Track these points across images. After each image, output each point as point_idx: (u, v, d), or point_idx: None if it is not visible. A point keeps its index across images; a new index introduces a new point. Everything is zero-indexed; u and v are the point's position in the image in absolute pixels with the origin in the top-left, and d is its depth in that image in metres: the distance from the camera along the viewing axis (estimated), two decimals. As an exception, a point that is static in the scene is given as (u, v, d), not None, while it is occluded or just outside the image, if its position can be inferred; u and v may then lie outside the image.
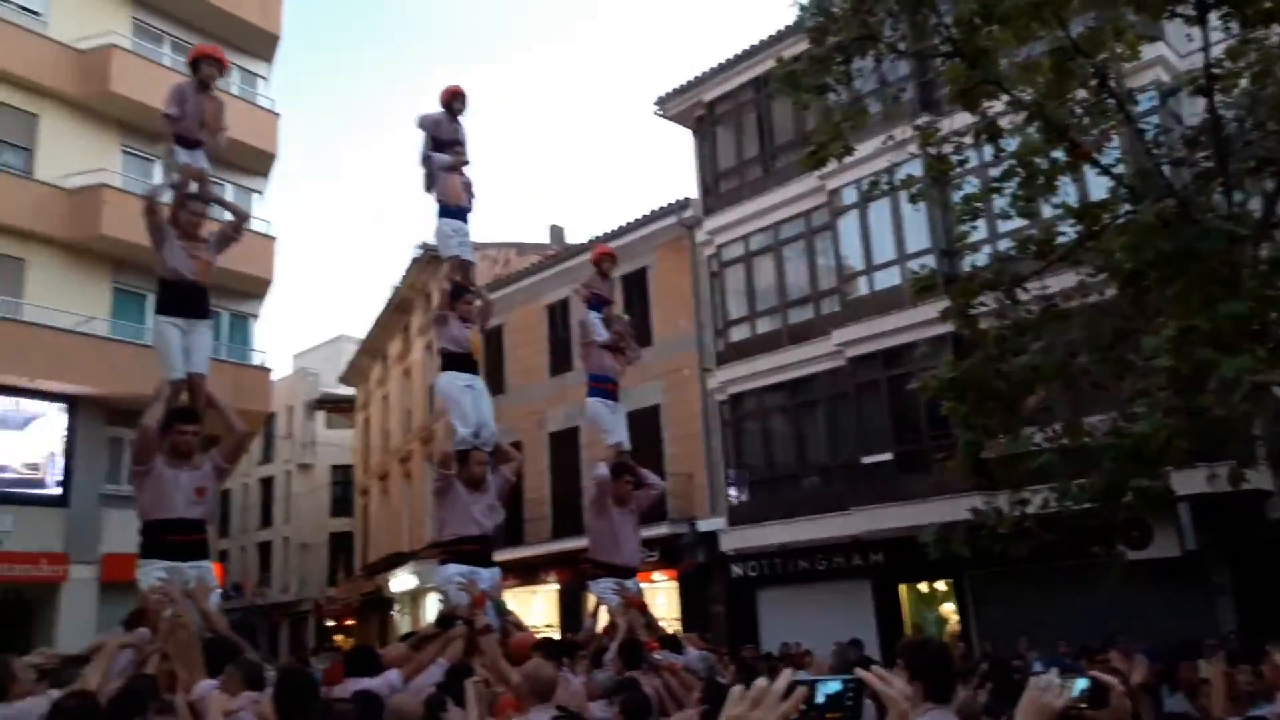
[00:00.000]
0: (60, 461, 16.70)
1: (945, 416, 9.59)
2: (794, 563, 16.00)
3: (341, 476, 37.35)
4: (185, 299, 6.58)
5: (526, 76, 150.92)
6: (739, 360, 17.23)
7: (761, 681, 1.38)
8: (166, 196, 6.81)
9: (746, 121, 18.32)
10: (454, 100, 8.70)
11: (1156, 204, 7.08)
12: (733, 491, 17.12)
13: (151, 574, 5.81)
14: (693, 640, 8.39)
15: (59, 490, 16.56)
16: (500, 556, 7.80)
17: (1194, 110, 8.92)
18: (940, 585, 14.72)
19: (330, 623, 35.02)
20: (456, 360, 8.03)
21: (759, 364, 16.82)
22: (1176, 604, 11.12)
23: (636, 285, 19.47)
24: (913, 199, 9.68)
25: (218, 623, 5.80)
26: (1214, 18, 7.69)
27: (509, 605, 8.10)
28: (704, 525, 17.20)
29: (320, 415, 38.78)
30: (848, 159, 12.32)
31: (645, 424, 17.59)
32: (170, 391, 6.29)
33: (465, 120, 8.83)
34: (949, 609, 14.61)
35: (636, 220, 19.81)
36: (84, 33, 17.90)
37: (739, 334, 17.63)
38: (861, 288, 15.51)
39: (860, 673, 1.56)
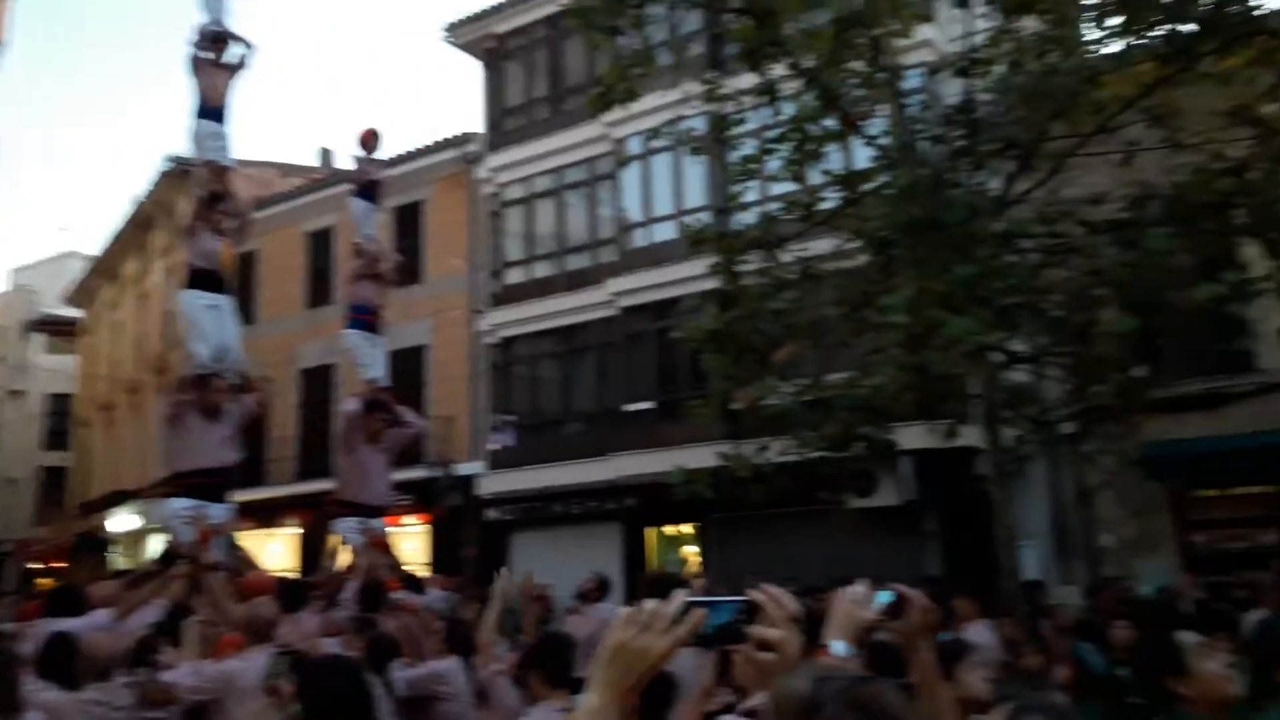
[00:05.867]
0: None
1: (705, 369, 9.88)
2: (550, 506, 16.10)
3: (60, 406, 33.89)
4: None
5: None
6: (512, 304, 17.00)
7: (652, 603, 1.28)
8: None
9: (538, 59, 17.92)
10: None
11: (910, 174, 7.53)
12: (499, 437, 16.94)
13: None
14: (438, 581, 8.30)
15: None
16: (238, 497, 7.39)
17: (953, 91, 9.53)
18: (686, 528, 15.36)
19: (36, 565, 31.91)
20: (203, 277, 7.53)
21: (533, 309, 16.67)
22: (894, 549, 12.14)
23: (410, 219, 18.74)
24: (693, 152, 9.81)
25: None
26: (979, 4, 8.22)
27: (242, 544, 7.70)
28: (463, 469, 16.93)
29: (40, 338, 34.92)
30: (636, 109, 12.35)
31: (409, 363, 17.12)
32: None
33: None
34: (691, 550, 15.32)
35: (415, 150, 18.95)
36: None
37: (514, 277, 17.39)
38: (639, 239, 15.70)
39: (752, 593, 1.42)
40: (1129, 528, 11.82)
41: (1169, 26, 7.32)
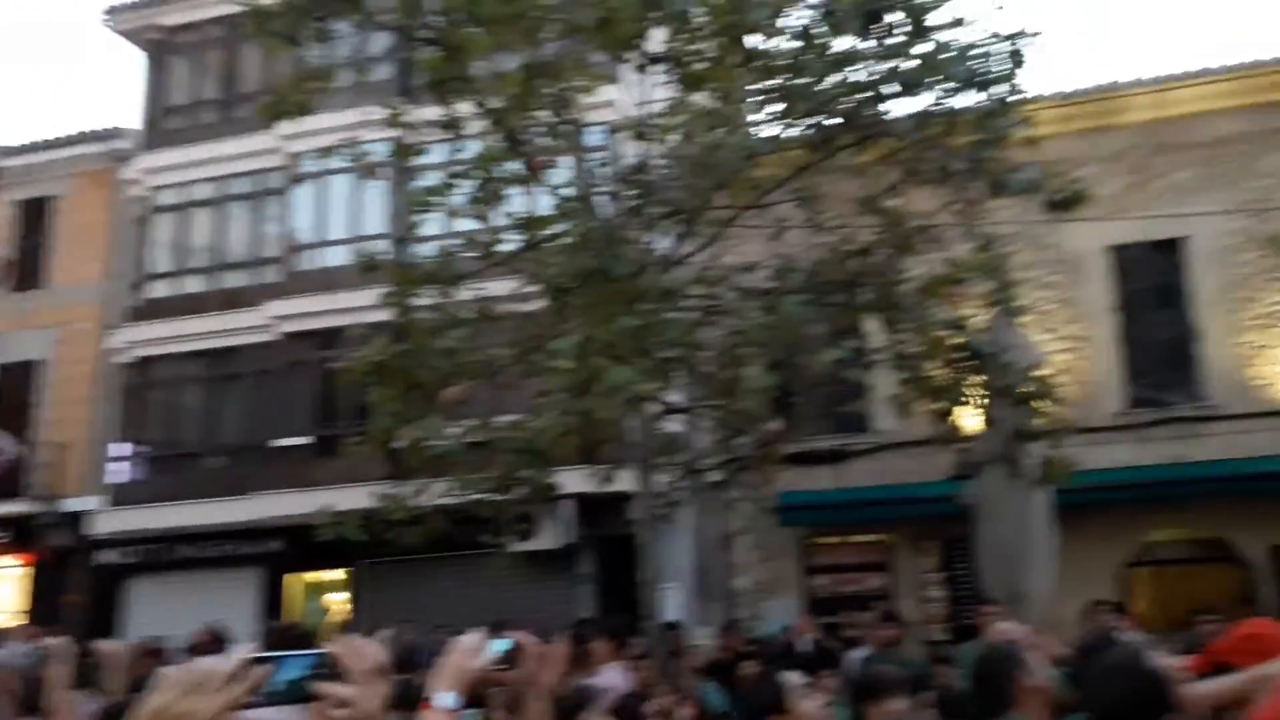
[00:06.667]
0: None
1: (368, 404, 9.44)
2: (177, 549, 14.54)
3: None
4: None
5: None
6: (154, 320, 15.27)
7: (206, 662, 1.17)
8: None
9: (209, 59, 16.57)
10: None
11: (585, 225, 7.75)
12: (122, 469, 15.06)
13: None
14: (25, 633, 7.16)
15: None
16: None
17: (632, 152, 9.98)
18: (338, 574, 14.52)
19: None
20: None
21: (178, 327, 15.06)
22: (551, 592, 12.43)
23: (37, 215, 16.48)
24: (365, 175, 9.49)
25: None
26: (661, 73, 8.70)
27: None
28: (75, 504, 14.87)
29: None
30: (315, 126, 11.75)
31: (20, 379, 15.17)
32: None
33: None
34: (337, 597, 14.55)
35: (51, 140, 16.74)
36: None
37: (159, 291, 15.72)
38: (308, 262, 14.86)
39: (329, 646, 1.31)
40: (761, 571, 12.84)
41: (817, 118, 8.16)
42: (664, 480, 8.80)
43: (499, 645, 1.82)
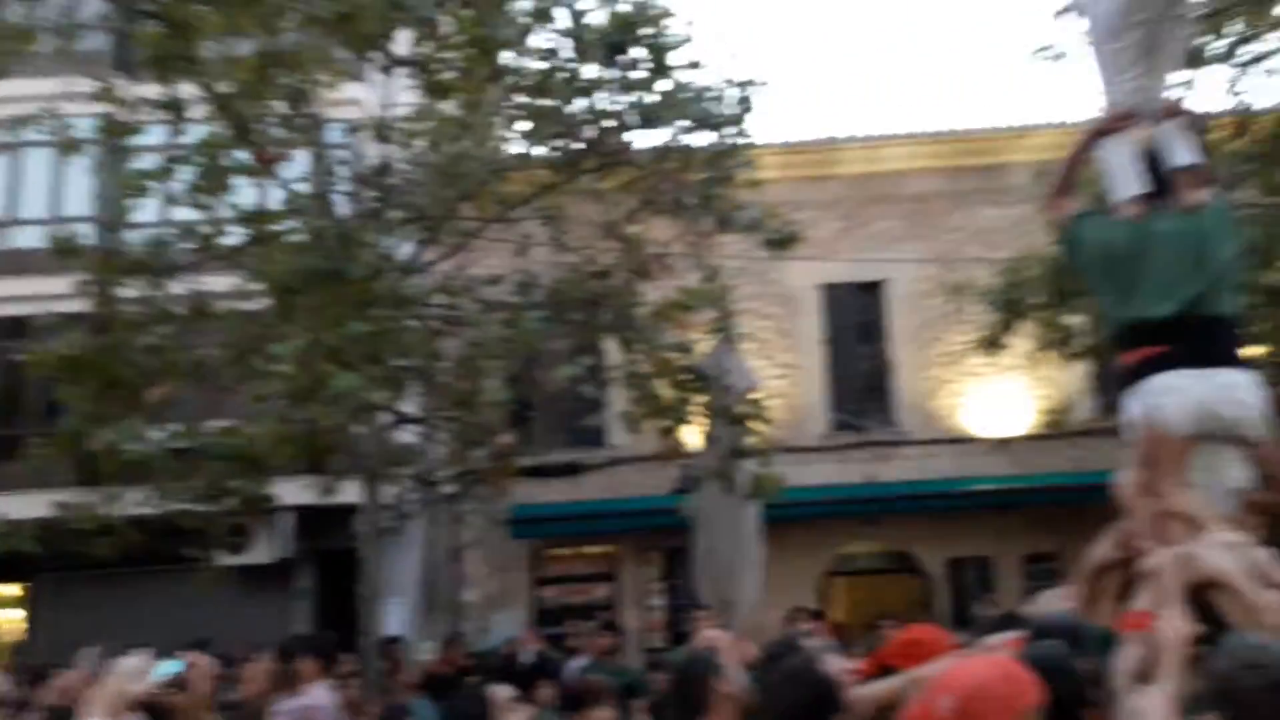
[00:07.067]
0: None
1: (58, 402, 8.52)
2: None
3: None
4: None
5: None
6: None
7: None
8: None
9: (-121, 2, 14.31)
10: None
11: (315, 224, 7.44)
12: None
13: None
14: None
15: None
16: None
17: (375, 153, 9.66)
18: (12, 589, 13.11)
19: None
20: None
21: None
22: (265, 608, 11.78)
23: None
24: (71, 151, 8.59)
25: None
26: (407, 77, 8.51)
27: None
28: None
29: None
30: (10, 93, 10.51)
31: None
32: None
33: None
34: (9, 615, 13.21)
35: None
36: None
37: None
38: (-5, 241, 13.22)
39: None
40: (491, 583, 12.83)
41: (563, 141, 8.32)
42: (393, 492, 8.59)
43: (170, 667, 1.73)
